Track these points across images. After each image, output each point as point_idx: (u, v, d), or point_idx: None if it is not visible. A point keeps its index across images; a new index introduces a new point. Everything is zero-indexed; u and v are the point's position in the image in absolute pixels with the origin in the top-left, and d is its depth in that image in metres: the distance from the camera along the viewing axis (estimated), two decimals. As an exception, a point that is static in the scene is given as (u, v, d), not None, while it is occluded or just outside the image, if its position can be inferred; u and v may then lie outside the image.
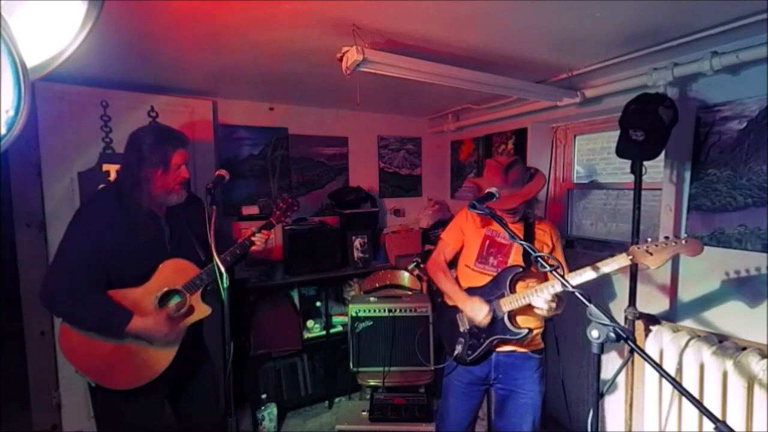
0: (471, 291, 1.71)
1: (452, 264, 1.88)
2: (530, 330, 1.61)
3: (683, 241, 1.30)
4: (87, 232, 1.45)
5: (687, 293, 1.94)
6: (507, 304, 1.60)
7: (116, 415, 1.55)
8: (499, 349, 1.71)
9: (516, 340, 1.62)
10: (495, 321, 1.63)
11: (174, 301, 1.57)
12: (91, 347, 1.46)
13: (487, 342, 1.65)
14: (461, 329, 1.73)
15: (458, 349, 1.71)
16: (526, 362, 1.70)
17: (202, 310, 1.63)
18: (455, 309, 1.75)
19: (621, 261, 1.37)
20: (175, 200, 1.58)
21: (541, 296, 1.50)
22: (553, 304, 1.49)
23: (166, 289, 1.54)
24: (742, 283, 1.72)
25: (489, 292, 1.65)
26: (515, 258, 1.67)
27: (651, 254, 1.33)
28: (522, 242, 1.22)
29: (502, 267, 1.67)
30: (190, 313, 1.60)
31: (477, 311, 1.62)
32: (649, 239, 1.35)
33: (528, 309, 1.60)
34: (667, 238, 1.34)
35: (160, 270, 1.54)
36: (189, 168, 1.60)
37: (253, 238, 1.74)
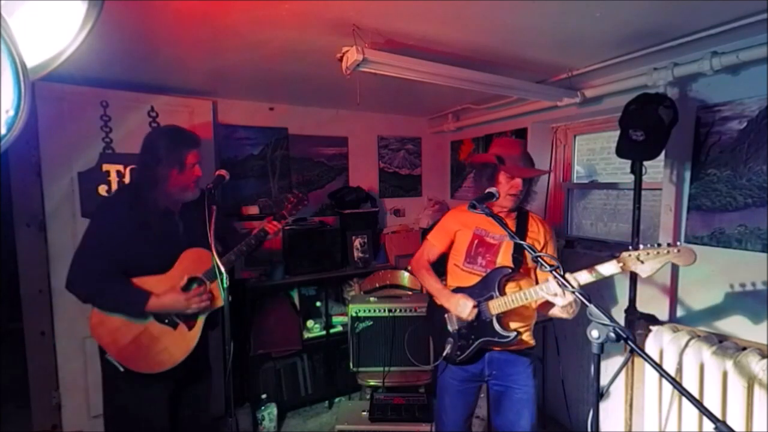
0: (459, 291, 1.67)
1: (438, 264, 1.83)
2: (519, 333, 1.59)
3: (676, 250, 1.20)
4: (106, 228, 1.54)
5: (687, 294, 1.94)
6: (496, 306, 1.56)
7: (131, 399, 1.59)
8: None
9: (505, 343, 1.58)
10: (483, 323, 1.60)
11: (194, 287, 1.64)
12: (120, 331, 1.53)
13: (476, 344, 1.62)
14: (450, 329, 1.69)
15: (447, 349, 1.68)
16: (519, 358, 1.69)
17: (221, 300, 1.67)
18: (444, 309, 1.71)
19: (611, 268, 1.28)
20: (190, 197, 1.65)
21: (542, 292, 1.45)
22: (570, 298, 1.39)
23: (187, 277, 1.60)
24: (742, 283, 1.72)
25: (478, 293, 1.61)
26: (504, 258, 1.64)
27: (642, 262, 1.23)
28: (522, 243, 1.22)
29: (490, 267, 1.64)
30: (212, 300, 1.65)
31: (462, 307, 1.58)
32: (641, 245, 1.25)
33: (517, 311, 1.57)
34: (659, 245, 1.23)
35: (182, 259, 1.61)
36: (201, 167, 1.67)
37: (267, 227, 1.80)
